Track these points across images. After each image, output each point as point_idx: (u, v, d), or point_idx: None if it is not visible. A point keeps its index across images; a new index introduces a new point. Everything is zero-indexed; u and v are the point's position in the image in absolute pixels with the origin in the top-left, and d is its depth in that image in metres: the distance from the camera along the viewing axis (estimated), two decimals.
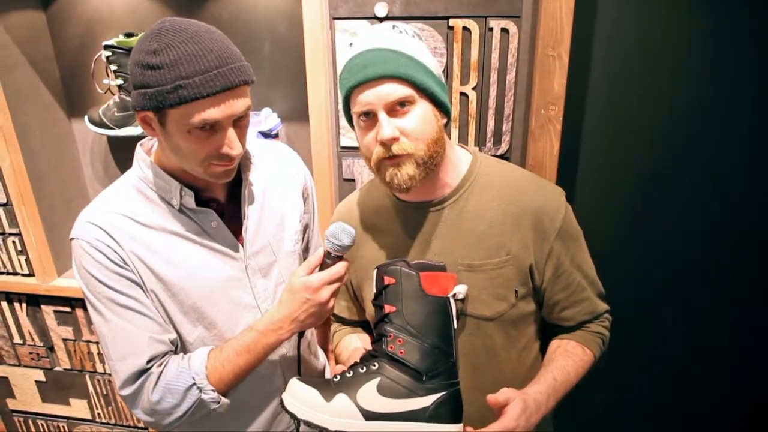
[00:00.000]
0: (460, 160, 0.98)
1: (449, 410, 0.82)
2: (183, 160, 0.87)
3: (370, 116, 0.86)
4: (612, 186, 1.58)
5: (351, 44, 0.91)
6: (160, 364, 0.90)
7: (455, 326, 0.86)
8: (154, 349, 0.90)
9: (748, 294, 1.62)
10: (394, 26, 0.89)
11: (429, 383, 0.81)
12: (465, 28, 1.33)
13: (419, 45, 0.88)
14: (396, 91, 0.83)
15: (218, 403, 0.91)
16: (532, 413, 0.84)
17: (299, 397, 0.82)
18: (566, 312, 1.00)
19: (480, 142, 1.43)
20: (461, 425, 0.83)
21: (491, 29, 1.32)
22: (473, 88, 1.38)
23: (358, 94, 0.85)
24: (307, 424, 0.81)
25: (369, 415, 0.79)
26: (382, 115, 0.84)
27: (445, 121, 0.91)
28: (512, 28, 1.31)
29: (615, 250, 1.57)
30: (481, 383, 0.93)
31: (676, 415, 1.80)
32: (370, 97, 0.84)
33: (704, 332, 1.68)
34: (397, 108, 0.84)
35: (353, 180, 1.52)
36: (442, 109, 0.90)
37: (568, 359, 0.97)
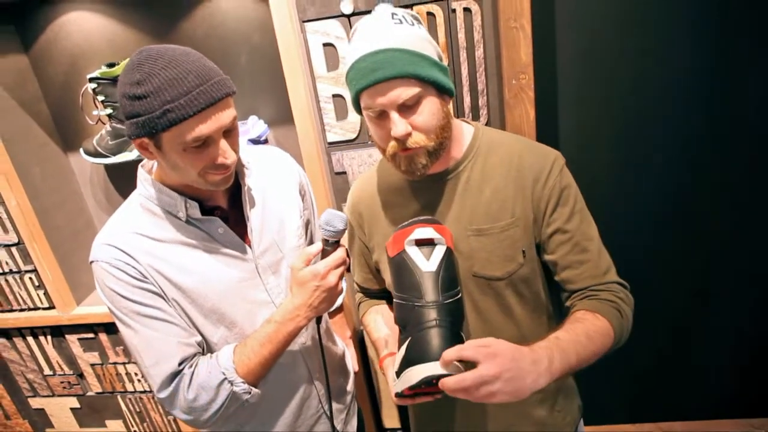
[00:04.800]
0: (464, 134, 1.04)
1: (419, 352, 0.84)
2: (182, 174, 0.93)
3: (381, 113, 0.91)
4: (593, 146, 1.63)
5: (350, 39, 0.92)
6: (191, 365, 0.97)
7: (428, 268, 0.88)
8: (183, 352, 0.96)
9: (733, 238, 1.67)
10: (393, 15, 0.90)
11: (404, 333, 0.90)
12: (429, 13, 1.38)
13: (420, 33, 0.90)
14: (405, 92, 0.87)
15: (250, 393, 0.98)
16: (522, 363, 0.77)
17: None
18: (568, 272, 0.99)
19: None
20: (431, 363, 0.81)
21: (454, 11, 1.38)
22: None
23: (369, 96, 0.89)
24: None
25: (398, 373, 0.90)
26: (394, 115, 0.89)
27: (449, 102, 0.96)
28: (474, 6, 1.37)
29: (603, 205, 1.62)
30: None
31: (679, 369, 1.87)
32: (382, 100, 0.88)
33: (693, 281, 1.74)
34: (407, 105, 0.89)
35: (344, 173, 1.59)
36: (447, 92, 0.94)
37: (576, 323, 0.93)
